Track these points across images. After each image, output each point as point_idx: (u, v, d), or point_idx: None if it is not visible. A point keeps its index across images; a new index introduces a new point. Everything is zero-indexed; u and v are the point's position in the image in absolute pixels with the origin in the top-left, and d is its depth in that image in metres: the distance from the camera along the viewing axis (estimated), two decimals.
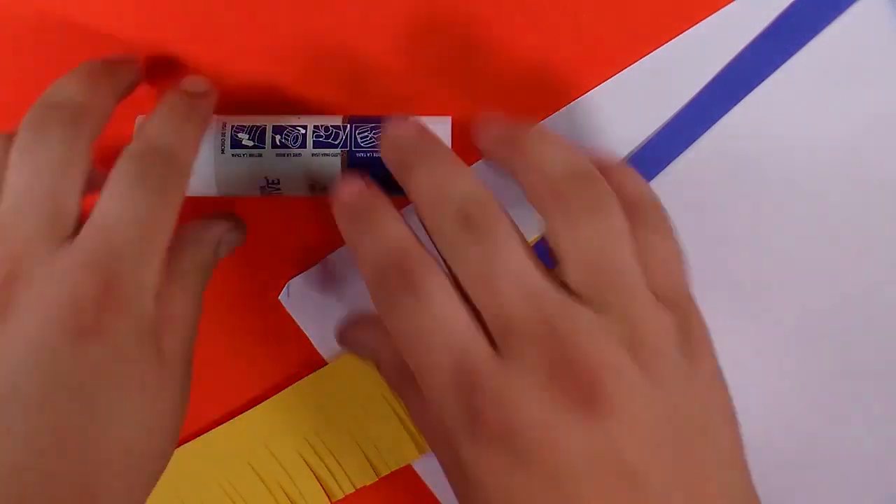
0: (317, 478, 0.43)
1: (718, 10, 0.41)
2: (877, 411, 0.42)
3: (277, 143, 0.37)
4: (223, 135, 0.37)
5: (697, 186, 0.41)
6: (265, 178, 0.37)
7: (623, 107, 0.41)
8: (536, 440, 0.29)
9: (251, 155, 0.36)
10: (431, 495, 0.43)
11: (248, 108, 0.41)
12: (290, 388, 0.43)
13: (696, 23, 0.41)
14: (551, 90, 0.41)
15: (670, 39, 0.41)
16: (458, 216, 0.32)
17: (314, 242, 0.42)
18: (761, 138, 0.41)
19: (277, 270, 0.42)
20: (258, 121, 0.37)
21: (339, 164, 0.37)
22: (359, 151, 0.37)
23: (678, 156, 0.41)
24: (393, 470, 0.43)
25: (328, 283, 0.43)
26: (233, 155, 0.36)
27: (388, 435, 0.43)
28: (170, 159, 0.33)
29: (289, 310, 0.42)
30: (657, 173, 0.41)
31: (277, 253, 0.42)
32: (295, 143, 0.37)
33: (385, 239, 0.33)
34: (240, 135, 0.37)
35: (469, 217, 0.32)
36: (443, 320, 0.31)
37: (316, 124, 0.37)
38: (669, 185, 0.41)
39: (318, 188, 0.37)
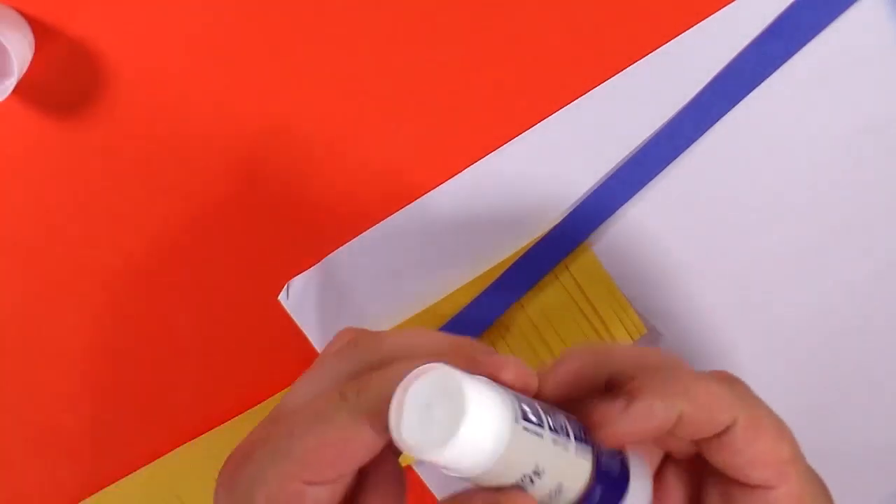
0: None
1: (718, 10, 0.40)
2: (876, 409, 0.42)
3: (552, 425, 0.27)
4: (513, 400, 0.27)
5: (698, 185, 0.41)
6: (535, 467, 0.27)
7: (623, 107, 0.41)
8: None
9: (535, 434, 0.27)
10: (431, 496, 0.43)
11: None
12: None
13: (696, 23, 0.41)
14: (552, 90, 0.41)
15: (670, 39, 0.41)
16: None
17: (315, 242, 0.42)
18: (761, 138, 0.41)
19: (277, 270, 0.42)
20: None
21: (587, 474, 0.28)
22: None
23: (679, 155, 0.41)
24: None
25: (328, 283, 0.43)
26: (523, 428, 0.26)
27: None
28: None
29: (289, 310, 0.42)
30: (658, 172, 0.41)
31: (277, 253, 0.42)
32: (563, 430, 0.28)
33: None
34: (522, 404, 0.27)
35: None
36: None
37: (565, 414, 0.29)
38: (670, 185, 0.41)
39: (560, 497, 0.28)
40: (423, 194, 0.42)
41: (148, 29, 0.41)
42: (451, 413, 0.25)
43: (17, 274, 0.42)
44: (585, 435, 0.28)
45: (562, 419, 0.28)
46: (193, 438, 0.43)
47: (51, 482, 0.43)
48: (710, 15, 0.41)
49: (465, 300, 0.42)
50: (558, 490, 0.28)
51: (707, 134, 0.41)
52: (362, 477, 0.28)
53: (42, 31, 0.40)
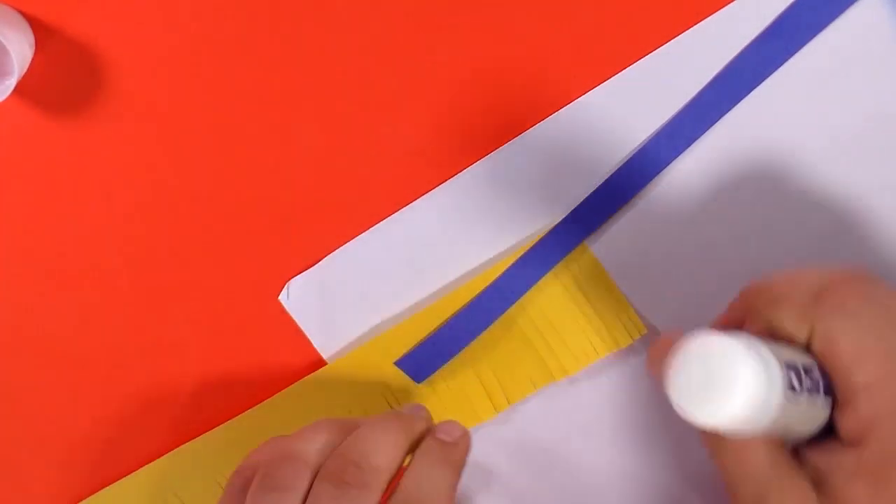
0: None
1: (718, 10, 0.40)
2: None
3: (807, 387, 0.30)
4: (783, 377, 0.29)
5: (698, 185, 0.41)
6: (786, 425, 0.30)
7: (623, 107, 0.41)
8: None
9: (795, 402, 0.29)
10: None
11: None
12: (290, 387, 0.43)
13: (696, 23, 0.41)
14: (551, 90, 0.41)
15: (670, 39, 0.41)
16: None
17: (315, 242, 0.42)
18: (762, 138, 0.41)
19: (277, 270, 0.42)
20: (784, 352, 0.31)
21: (823, 419, 0.32)
22: None
23: (678, 155, 0.41)
24: None
25: (328, 283, 0.42)
26: (787, 400, 0.29)
27: None
28: None
29: (289, 310, 0.42)
30: (658, 172, 0.41)
31: (277, 253, 0.42)
32: (816, 389, 0.31)
33: None
34: (791, 375, 0.29)
35: None
36: None
37: (816, 364, 0.32)
38: (669, 185, 0.41)
39: (794, 435, 0.32)
40: (422, 194, 0.42)
41: (148, 29, 0.41)
42: (724, 383, 0.28)
43: (17, 274, 0.42)
44: (827, 387, 0.31)
45: (816, 374, 0.31)
46: (193, 438, 0.43)
47: (51, 482, 0.43)
48: (709, 15, 0.41)
49: (466, 299, 0.42)
50: (793, 433, 0.32)
51: (707, 134, 0.41)
52: None
53: (42, 31, 0.40)
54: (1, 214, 0.42)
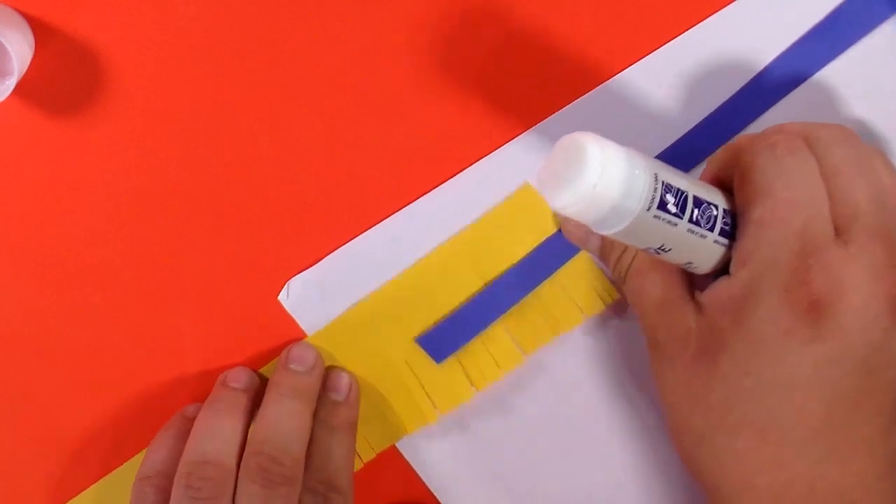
0: None
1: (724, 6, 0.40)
2: None
3: (693, 218, 0.33)
4: (655, 190, 0.32)
5: None
6: (662, 245, 0.33)
7: (654, 87, 0.41)
8: (846, 325, 0.32)
9: (668, 222, 0.32)
10: (419, 483, 0.43)
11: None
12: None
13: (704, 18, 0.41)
14: (552, 91, 0.41)
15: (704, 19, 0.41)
16: None
17: (315, 242, 0.42)
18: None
19: (277, 270, 0.42)
20: (677, 179, 0.33)
21: (719, 257, 0.34)
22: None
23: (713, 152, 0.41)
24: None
25: (328, 283, 0.42)
26: (653, 217, 0.32)
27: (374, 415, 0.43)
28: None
29: (289, 310, 0.42)
30: (694, 165, 0.41)
31: (277, 253, 0.42)
32: (707, 224, 0.33)
33: None
34: (668, 196, 0.32)
35: None
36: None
37: (725, 208, 0.34)
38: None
39: (691, 268, 0.35)
40: (423, 194, 0.42)
41: (148, 29, 0.41)
42: (577, 167, 0.31)
43: (17, 274, 0.42)
44: (734, 228, 0.34)
45: (714, 211, 0.33)
46: None
47: (51, 482, 0.43)
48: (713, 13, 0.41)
49: (465, 296, 0.42)
50: (688, 264, 0.34)
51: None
52: None
53: (42, 31, 0.40)
54: (1, 214, 0.42)
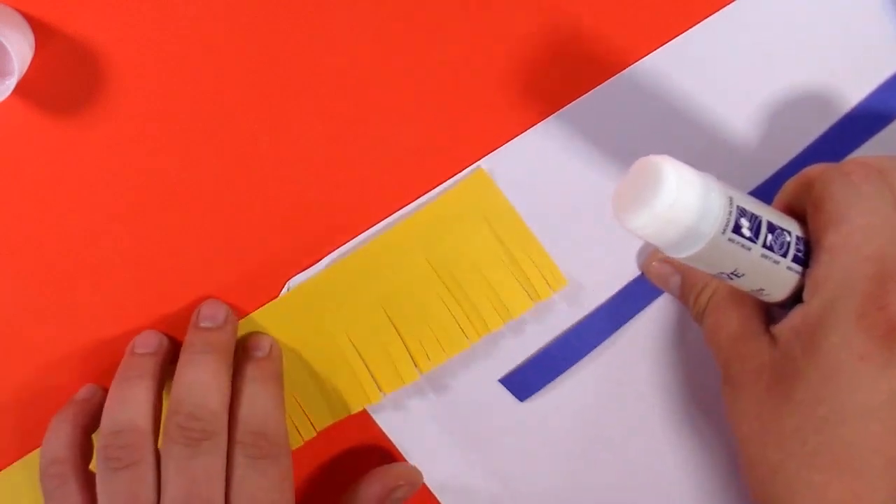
0: None
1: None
2: None
3: (767, 243, 0.33)
4: (730, 213, 0.32)
5: None
6: (735, 270, 0.33)
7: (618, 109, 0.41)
8: None
9: (742, 246, 0.32)
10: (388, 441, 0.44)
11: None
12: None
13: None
14: (550, 93, 0.41)
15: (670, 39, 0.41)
16: None
17: (315, 242, 0.42)
18: None
19: (277, 270, 0.42)
20: (751, 204, 0.33)
21: (792, 284, 0.34)
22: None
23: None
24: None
25: None
26: (728, 240, 0.32)
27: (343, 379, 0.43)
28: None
29: None
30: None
31: (277, 253, 0.42)
32: (780, 249, 0.33)
33: None
34: (742, 220, 0.32)
35: None
36: None
37: (798, 235, 0.34)
38: None
39: (763, 295, 0.35)
40: (423, 194, 0.42)
41: (148, 29, 0.41)
42: (652, 190, 0.30)
43: (17, 273, 0.42)
44: (807, 256, 0.34)
45: (788, 238, 0.34)
46: None
47: None
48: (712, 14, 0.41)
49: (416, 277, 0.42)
50: (760, 290, 0.34)
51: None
52: None
53: (42, 31, 0.40)
54: (1, 214, 0.42)
